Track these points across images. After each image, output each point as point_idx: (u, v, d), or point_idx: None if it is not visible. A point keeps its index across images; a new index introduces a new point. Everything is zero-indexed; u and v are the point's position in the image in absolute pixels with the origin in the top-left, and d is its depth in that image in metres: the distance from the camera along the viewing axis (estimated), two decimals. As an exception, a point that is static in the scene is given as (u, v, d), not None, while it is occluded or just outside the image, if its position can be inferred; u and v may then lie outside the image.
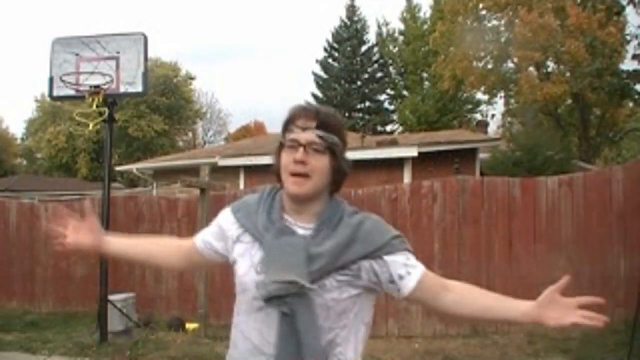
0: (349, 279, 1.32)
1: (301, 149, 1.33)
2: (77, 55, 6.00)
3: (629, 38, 15.58)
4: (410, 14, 28.61)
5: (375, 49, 30.59)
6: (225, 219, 1.50)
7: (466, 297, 1.37)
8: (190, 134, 38.72)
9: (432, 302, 1.38)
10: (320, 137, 1.34)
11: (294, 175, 1.34)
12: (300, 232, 1.36)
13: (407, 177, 9.41)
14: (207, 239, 1.56)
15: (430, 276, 1.37)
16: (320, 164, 1.34)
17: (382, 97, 31.01)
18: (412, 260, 1.37)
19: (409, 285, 1.34)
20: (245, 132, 39.13)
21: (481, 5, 18.49)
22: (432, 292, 1.36)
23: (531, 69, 17.93)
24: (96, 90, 5.72)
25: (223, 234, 1.49)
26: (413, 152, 9.45)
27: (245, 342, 1.38)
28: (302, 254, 1.29)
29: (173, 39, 57.68)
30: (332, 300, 1.31)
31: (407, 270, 1.35)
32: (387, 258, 1.34)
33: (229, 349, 1.46)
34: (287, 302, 1.27)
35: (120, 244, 1.65)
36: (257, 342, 1.35)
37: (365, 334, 1.41)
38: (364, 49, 30.64)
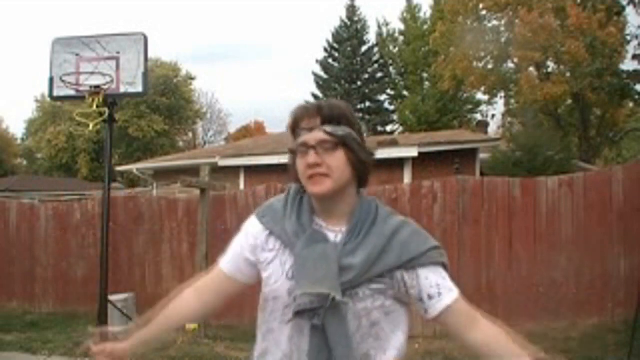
0: (382, 287, 1.26)
1: (311, 152, 1.26)
2: (77, 55, 5.99)
3: (629, 38, 15.60)
4: (410, 14, 28.61)
5: (375, 49, 30.57)
6: (252, 226, 1.42)
7: (492, 343, 1.33)
8: (190, 134, 38.76)
9: (457, 332, 1.34)
10: (328, 133, 1.25)
11: (312, 177, 1.27)
12: (331, 235, 1.29)
13: (407, 177, 9.40)
14: (234, 258, 1.44)
15: (461, 304, 1.32)
16: (336, 160, 1.26)
17: (382, 97, 31.00)
18: (446, 281, 1.31)
19: (436, 307, 1.29)
20: (245, 132, 39.17)
21: (481, 5, 18.49)
22: (460, 323, 1.32)
23: (531, 69, 17.93)
24: (96, 90, 5.71)
25: (251, 242, 1.40)
26: (413, 152, 9.45)
27: (276, 351, 1.32)
28: (334, 266, 1.23)
29: (173, 40, 57.72)
30: (363, 310, 1.25)
31: (439, 290, 1.29)
32: (420, 271, 1.28)
33: (255, 357, 1.39)
34: (318, 314, 1.21)
35: (147, 335, 1.53)
36: (287, 351, 1.29)
37: (403, 344, 1.33)
38: (364, 49, 30.62)
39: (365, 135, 1.36)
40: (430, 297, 1.29)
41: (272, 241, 1.35)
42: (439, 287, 1.29)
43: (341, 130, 1.26)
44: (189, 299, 1.49)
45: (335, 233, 1.30)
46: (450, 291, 1.31)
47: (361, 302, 1.25)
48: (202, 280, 1.49)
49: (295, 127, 1.31)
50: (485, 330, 1.33)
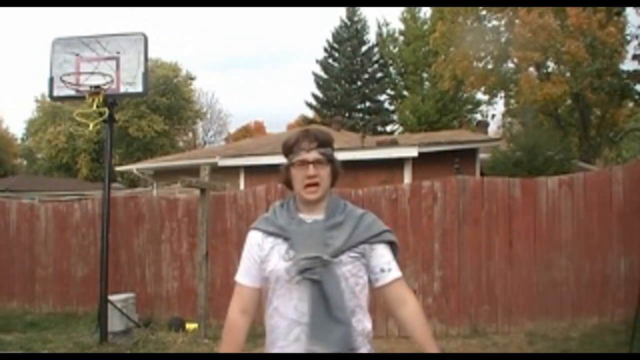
0: (357, 255, 1.71)
1: (311, 166, 1.73)
2: (77, 55, 6.00)
3: (629, 38, 15.60)
4: (410, 14, 28.59)
5: (375, 49, 30.53)
6: (252, 236, 1.82)
7: (409, 324, 1.72)
8: (190, 134, 38.72)
9: (391, 306, 1.75)
10: (323, 154, 1.75)
11: (308, 185, 1.73)
12: (313, 221, 1.75)
13: (407, 177, 9.39)
14: (248, 269, 1.81)
15: (402, 284, 1.75)
16: (325, 173, 1.76)
17: (382, 97, 30.94)
18: (394, 262, 1.75)
19: (385, 279, 1.73)
20: (245, 132, 39.18)
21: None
22: (396, 299, 1.73)
23: (531, 69, 17.90)
24: (96, 90, 5.72)
25: (256, 249, 1.78)
26: (413, 152, 9.43)
27: (282, 320, 1.69)
28: (320, 237, 1.69)
29: (173, 40, 57.66)
30: (348, 272, 1.68)
31: (389, 267, 1.74)
32: (377, 246, 1.74)
33: (266, 337, 1.75)
34: (316, 272, 1.64)
35: None
36: (294, 317, 1.67)
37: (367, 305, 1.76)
38: (364, 49, 30.57)
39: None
40: (382, 270, 1.74)
41: (270, 239, 1.76)
42: (389, 264, 1.75)
43: (329, 152, 1.77)
44: (240, 322, 1.80)
45: (315, 220, 1.75)
46: (397, 270, 1.75)
47: (345, 265, 1.68)
48: (238, 301, 1.81)
49: (294, 145, 1.77)
50: (410, 312, 1.72)
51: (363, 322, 1.72)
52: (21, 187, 21.63)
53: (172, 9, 61.57)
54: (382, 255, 1.74)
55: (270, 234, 1.76)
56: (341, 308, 1.64)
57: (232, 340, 1.79)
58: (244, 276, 1.80)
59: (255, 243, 1.78)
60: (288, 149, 1.79)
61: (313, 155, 1.74)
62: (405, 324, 1.73)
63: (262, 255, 1.75)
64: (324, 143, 1.77)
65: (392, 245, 1.78)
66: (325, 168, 1.76)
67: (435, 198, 5.81)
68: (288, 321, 1.68)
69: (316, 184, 1.73)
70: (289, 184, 1.80)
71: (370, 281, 1.75)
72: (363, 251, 1.72)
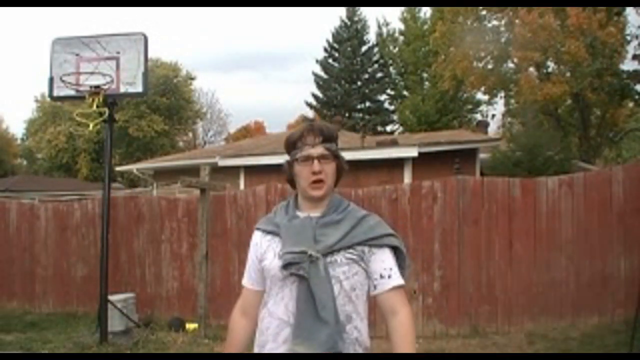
0: (355, 257, 1.61)
1: (316, 162, 1.65)
2: (77, 55, 5.99)
3: (629, 38, 15.62)
4: (410, 14, 28.60)
5: (375, 49, 30.53)
6: (254, 237, 1.78)
7: (392, 335, 1.60)
8: (190, 134, 38.72)
9: (385, 313, 1.63)
10: (328, 149, 1.67)
11: (314, 182, 1.65)
12: (311, 217, 1.67)
13: (407, 177, 9.40)
14: (250, 271, 1.78)
15: (400, 294, 1.63)
16: (331, 169, 1.68)
17: (382, 97, 30.96)
18: (395, 269, 1.64)
19: (382, 286, 1.62)
20: (245, 132, 39.19)
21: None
22: (390, 308, 1.62)
23: (531, 69, 17.90)
24: (96, 90, 5.71)
25: (256, 249, 1.75)
26: (413, 152, 9.43)
27: (273, 321, 1.62)
28: (310, 232, 1.61)
29: (173, 40, 57.65)
30: (342, 274, 1.59)
31: (389, 274, 1.63)
32: (378, 250, 1.63)
33: (256, 339, 1.70)
34: (302, 267, 1.56)
35: None
36: (284, 317, 1.60)
37: (367, 314, 1.66)
38: (364, 49, 30.57)
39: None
40: (381, 276, 1.62)
41: (268, 237, 1.72)
42: (389, 271, 1.63)
43: (334, 147, 1.70)
44: (241, 322, 1.78)
45: (309, 216, 1.68)
46: (398, 278, 1.63)
47: (340, 266, 1.59)
48: (239, 302, 1.82)
49: (298, 140, 1.69)
50: (397, 323, 1.60)
51: (360, 331, 1.61)
52: (21, 187, 21.61)
53: (172, 9, 61.59)
54: (383, 261, 1.63)
55: (268, 232, 1.71)
56: (328, 308, 1.53)
57: (232, 340, 1.77)
58: (245, 278, 1.79)
59: (255, 242, 1.75)
60: (291, 145, 1.71)
61: (318, 150, 1.66)
62: (390, 335, 1.61)
63: (259, 254, 1.71)
64: (330, 138, 1.69)
65: (396, 251, 1.67)
66: (331, 164, 1.68)
67: (435, 198, 5.81)
68: (278, 321, 1.61)
69: (321, 181, 1.65)
70: (292, 181, 1.74)
71: (371, 288, 1.65)
72: (361, 254, 1.61)
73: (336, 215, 1.65)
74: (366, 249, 1.62)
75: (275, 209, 1.78)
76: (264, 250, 1.70)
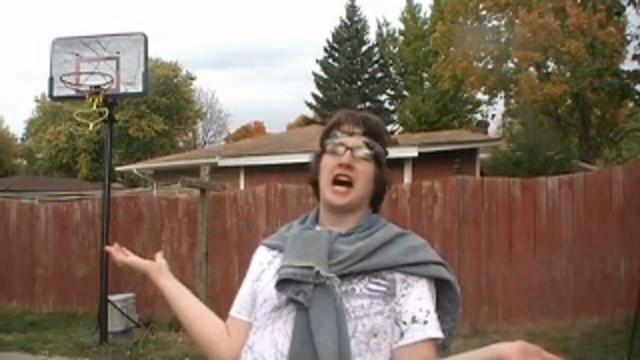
0: (383, 289, 1.12)
1: (348, 152, 1.20)
2: (77, 55, 6.00)
3: (629, 38, 15.57)
4: (410, 14, 28.61)
5: (375, 49, 30.54)
6: (255, 254, 1.34)
7: None
8: (190, 134, 38.73)
9: None
10: (367, 144, 1.23)
11: (336, 183, 1.20)
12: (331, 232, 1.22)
13: (407, 177, 9.41)
14: (238, 299, 1.31)
15: (428, 351, 1.11)
16: (366, 171, 1.22)
17: (382, 97, 30.98)
18: (434, 315, 1.14)
19: (415, 334, 1.10)
20: (245, 132, 39.17)
21: (481, 5, 18.48)
22: None
23: (531, 69, 17.92)
24: (96, 90, 5.72)
25: (255, 267, 1.30)
26: (413, 152, 9.44)
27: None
28: (324, 244, 1.15)
29: (173, 40, 57.69)
30: (360, 309, 1.10)
31: (426, 318, 1.11)
32: (417, 283, 1.14)
33: None
34: (303, 290, 1.09)
35: (178, 286, 1.51)
36: (271, 357, 1.11)
37: None
38: (364, 49, 30.58)
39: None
40: (414, 320, 1.11)
41: (272, 252, 1.28)
42: (427, 315, 1.12)
43: (378, 146, 1.25)
44: (216, 318, 1.36)
45: (329, 229, 1.23)
46: (435, 329, 1.12)
47: (357, 299, 1.10)
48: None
49: (333, 128, 1.27)
50: None
51: None
52: (21, 187, 21.61)
53: (172, 9, 61.61)
54: (420, 299, 1.12)
55: (272, 247, 1.28)
56: (331, 350, 1.04)
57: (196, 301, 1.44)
58: (234, 306, 1.30)
59: (256, 261, 1.31)
60: (325, 133, 1.28)
61: (355, 140, 1.22)
62: None
63: (258, 272, 1.26)
64: (374, 132, 1.25)
65: (441, 288, 1.19)
66: (367, 164, 1.22)
67: (435, 198, 5.81)
68: None
69: (348, 183, 1.20)
70: (316, 185, 1.27)
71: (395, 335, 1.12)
72: (392, 284, 1.12)
73: (364, 232, 1.21)
74: (400, 278, 1.13)
75: (290, 223, 1.33)
76: (264, 268, 1.25)
